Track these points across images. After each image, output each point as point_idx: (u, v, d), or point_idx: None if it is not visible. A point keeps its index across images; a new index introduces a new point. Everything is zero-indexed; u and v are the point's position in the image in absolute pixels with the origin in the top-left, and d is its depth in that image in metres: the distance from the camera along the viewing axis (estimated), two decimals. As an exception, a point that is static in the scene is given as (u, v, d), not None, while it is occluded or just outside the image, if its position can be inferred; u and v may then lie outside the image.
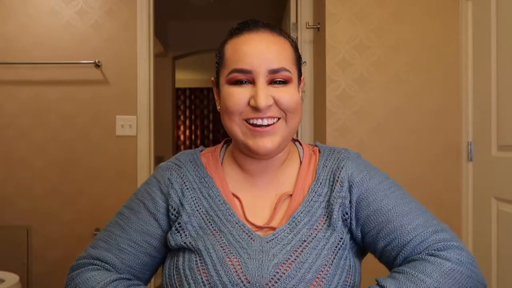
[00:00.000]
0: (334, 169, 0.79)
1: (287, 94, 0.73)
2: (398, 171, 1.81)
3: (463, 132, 1.80)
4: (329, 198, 0.76)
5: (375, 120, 1.83)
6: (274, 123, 0.73)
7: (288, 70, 0.73)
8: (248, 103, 0.72)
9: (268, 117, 0.72)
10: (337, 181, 0.77)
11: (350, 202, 0.75)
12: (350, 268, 0.73)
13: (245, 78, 0.72)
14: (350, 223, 0.75)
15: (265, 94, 0.70)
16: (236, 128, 0.74)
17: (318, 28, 2.00)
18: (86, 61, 2.19)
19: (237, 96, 0.72)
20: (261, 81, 0.71)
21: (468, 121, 1.77)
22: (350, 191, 0.76)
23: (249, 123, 0.73)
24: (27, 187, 2.23)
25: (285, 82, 0.73)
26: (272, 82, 0.72)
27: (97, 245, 0.80)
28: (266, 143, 0.72)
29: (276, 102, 0.72)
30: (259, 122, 0.72)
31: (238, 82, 0.73)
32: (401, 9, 1.82)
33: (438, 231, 0.72)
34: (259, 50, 0.72)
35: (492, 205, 1.59)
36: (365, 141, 1.83)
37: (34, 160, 2.23)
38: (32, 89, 2.23)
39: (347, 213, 0.75)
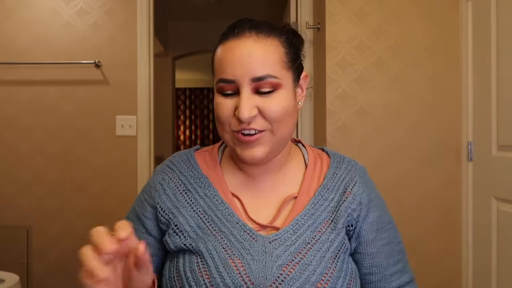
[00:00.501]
0: (346, 180, 0.79)
1: (273, 104, 0.69)
2: (398, 171, 1.81)
3: (463, 132, 1.80)
4: (337, 205, 0.76)
5: (375, 120, 1.83)
6: (260, 132, 0.70)
7: (274, 76, 0.69)
8: (234, 114, 0.70)
9: (253, 129, 0.70)
10: (349, 193, 0.77)
11: (358, 216, 0.76)
12: (352, 272, 0.74)
13: (230, 89, 0.70)
14: (352, 235, 0.77)
15: (248, 105, 0.68)
16: (227, 136, 0.74)
17: (318, 28, 2.00)
18: (86, 61, 2.19)
19: (224, 107, 0.71)
20: (245, 90, 0.69)
21: (468, 121, 1.77)
22: (360, 208, 0.77)
23: (236, 132, 0.72)
24: (27, 187, 2.23)
25: (272, 91, 0.70)
26: (258, 91, 0.69)
27: None
28: (254, 152, 0.71)
29: (261, 113, 0.69)
30: (246, 131, 0.70)
31: (225, 95, 0.71)
32: (401, 9, 1.82)
33: (409, 282, 0.80)
34: (241, 59, 0.69)
35: (492, 205, 1.59)
36: (365, 141, 1.83)
37: (34, 160, 2.23)
38: (32, 89, 2.23)
39: (352, 225, 0.76)
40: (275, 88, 0.70)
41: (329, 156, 0.84)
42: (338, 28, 1.83)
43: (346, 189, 0.77)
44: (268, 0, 3.53)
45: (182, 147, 6.99)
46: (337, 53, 1.83)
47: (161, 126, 3.98)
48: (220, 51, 0.73)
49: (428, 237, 1.81)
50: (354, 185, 0.78)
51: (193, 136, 7.08)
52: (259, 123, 0.70)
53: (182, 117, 7.06)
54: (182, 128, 7.06)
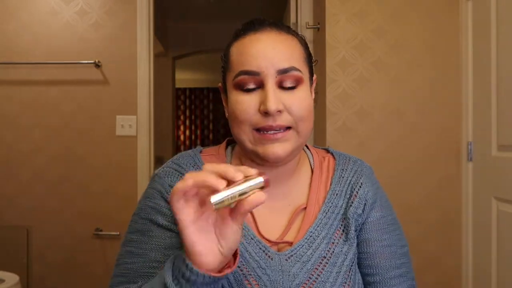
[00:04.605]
0: (352, 182, 0.76)
1: (298, 100, 0.67)
2: (398, 171, 1.81)
3: (463, 132, 1.80)
4: (345, 211, 0.73)
5: (375, 120, 1.83)
6: (285, 131, 0.67)
7: (298, 70, 0.67)
8: (258, 110, 0.66)
9: (278, 126, 0.66)
10: (355, 196, 0.74)
11: (361, 219, 0.74)
12: (359, 282, 0.73)
13: (253, 82, 0.66)
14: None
15: (275, 97, 0.65)
16: (245, 137, 0.68)
17: (318, 28, 2.00)
18: (86, 61, 2.19)
19: (246, 104, 0.66)
20: (270, 83, 0.65)
21: (468, 121, 1.77)
22: (363, 210, 0.75)
23: (259, 132, 0.67)
24: (27, 187, 2.23)
25: (295, 86, 0.67)
26: (282, 85, 0.67)
27: (115, 282, 0.71)
28: (276, 149, 0.66)
29: (288, 110, 0.66)
30: (270, 132, 0.66)
31: (246, 90, 0.67)
32: (401, 9, 1.82)
33: (412, 286, 0.77)
34: (266, 51, 0.66)
35: (492, 205, 1.59)
36: (365, 141, 1.83)
37: (34, 160, 2.23)
38: (32, 89, 2.23)
39: (356, 230, 0.74)
40: (298, 83, 0.67)
41: (334, 158, 0.80)
42: (338, 28, 1.83)
43: (352, 192, 0.75)
44: (268, 0, 3.53)
45: (182, 147, 6.99)
46: (337, 53, 1.83)
47: (161, 126, 3.98)
48: (238, 45, 0.70)
49: (428, 237, 1.81)
50: (360, 186, 0.75)
51: (193, 136, 7.08)
52: (285, 119, 0.66)
53: (182, 117, 7.05)
54: (182, 128, 7.05)
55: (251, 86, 0.67)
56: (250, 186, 0.49)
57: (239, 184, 0.49)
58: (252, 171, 0.50)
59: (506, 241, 1.51)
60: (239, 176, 0.49)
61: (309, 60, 0.74)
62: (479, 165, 1.71)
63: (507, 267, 1.50)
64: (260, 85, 0.67)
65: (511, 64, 1.48)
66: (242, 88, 0.67)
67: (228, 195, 0.48)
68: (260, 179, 0.49)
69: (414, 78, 1.82)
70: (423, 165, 1.81)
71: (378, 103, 1.83)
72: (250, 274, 0.67)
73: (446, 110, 1.82)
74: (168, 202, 0.71)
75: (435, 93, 1.82)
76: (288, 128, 0.67)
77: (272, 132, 0.66)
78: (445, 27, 1.82)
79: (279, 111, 0.65)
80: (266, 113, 0.65)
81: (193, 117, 7.09)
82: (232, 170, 0.49)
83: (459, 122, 1.81)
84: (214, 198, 0.48)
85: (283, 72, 0.66)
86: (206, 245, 0.52)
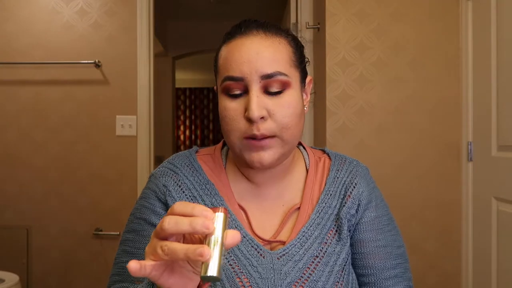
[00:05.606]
0: (346, 183, 0.76)
1: (283, 106, 0.66)
2: (398, 171, 1.81)
3: (463, 132, 1.80)
4: (339, 212, 0.74)
5: (375, 120, 1.83)
6: (269, 138, 0.67)
7: (284, 74, 0.66)
8: (243, 116, 0.66)
9: (262, 135, 0.66)
10: (349, 196, 0.75)
11: (355, 219, 0.75)
12: (353, 282, 0.73)
13: (238, 88, 0.66)
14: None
15: (257, 104, 0.64)
16: (233, 143, 0.69)
17: (318, 28, 2.00)
18: (86, 61, 2.19)
19: (233, 112, 0.67)
20: (255, 89, 0.65)
21: (468, 121, 1.77)
22: (357, 210, 0.75)
23: (246, 139, 0.67)
24: (27, 187, 2.23)
25: (281, 90, 0.67)
26: (267, 90, 0.66)
27: (112, 281, 0.74)
28: (262, 156, 0.67)
29: (271, 116, 0.66)
30: (257, 135, 0.66)
31: (233, 96, 0.67)
32: (401, 9, 1.82)
33: (408, 287, 0.76)
34: (249, 56, 0.66)
35: (492, 205, 1.59)
36: (365, 141, 1.83)
37: (34, 160, 2.23)
38: (32, 89, 2.23)
39: (350, 231, 0.74)
40: (284, 87, 0.67)
41: (330, 158, 0.80)
42: (338, 28, 1.83)
43: (346, 192, 0.75)
44: (268, 0, 3.53)
45: (182, 147, 6.99)
46: (337, 53, 1.83)
47: (161, 126, 3.98)
48: (225, 49, 0.70)
49: (428, 237, 1.81)
50: (354, 187, 0.75)
51: (193, 136, 7.08)
52: (268, 127, 0.66)
53: (182, 117, 7.06)
54: (182, 128, 7.05)
55: (237, 91, 0.67)
56: (221, 229, 0.43)
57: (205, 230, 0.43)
58: (210, 214, 0.45)
59: (506, 241, 1.51)
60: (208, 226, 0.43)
61: (301, 61, 0.73)
62: (479, 165, 1.71)
63: (507, 268, 1.50)
64: (246, 91, 0.67)
65: (511, 64, 1.48)
66: (228, 93, 0.68)
67: (220, 260, 0.42)
68: (220, 215, 0.44)
69: (414, 78, 1.82)
70: (423, 165, 1.81)
71: (378, 103, 1.83)
72: (242, 272, 0.67)
73: (446, 110, 1.82)
74: (162, 201, 0.73)
75: (435, 93, 1.82)
76: (272, 136, 0.67)
77: (256, 138, 0.66)
78: (445, 27, 1.82)
79: (263, 118, 0.65)
80: (249, 120, 0.65)
81: (193, 117, 7.09)
82: (199, 225, 0.43)
83: (459, 122, 1.81)
84: (213, 271, 0.41)
85: (267, 77, 0.65)
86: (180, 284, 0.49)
